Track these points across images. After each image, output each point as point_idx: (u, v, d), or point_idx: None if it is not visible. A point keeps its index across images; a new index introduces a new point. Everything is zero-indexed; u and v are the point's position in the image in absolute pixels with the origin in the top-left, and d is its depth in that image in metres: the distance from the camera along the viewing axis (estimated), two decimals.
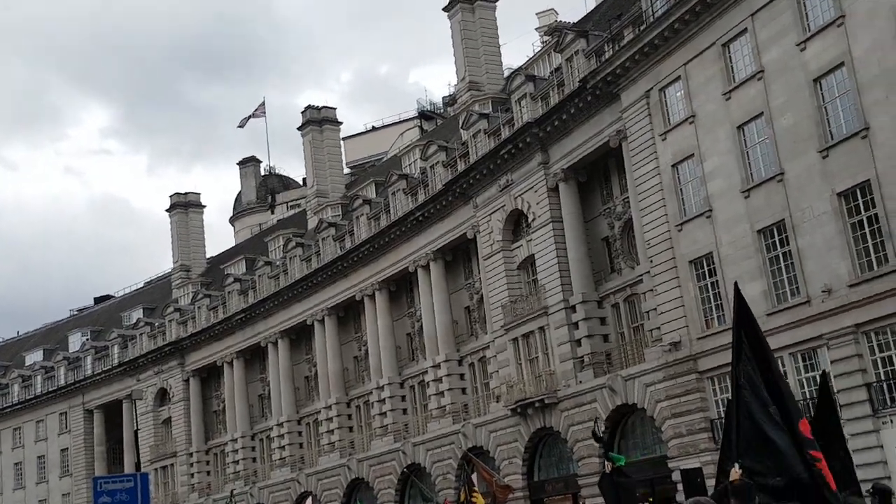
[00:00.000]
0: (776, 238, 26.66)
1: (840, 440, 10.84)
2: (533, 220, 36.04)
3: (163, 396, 59.88)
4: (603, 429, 31.42)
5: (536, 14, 49.19)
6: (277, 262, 52.81)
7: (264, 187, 75.24)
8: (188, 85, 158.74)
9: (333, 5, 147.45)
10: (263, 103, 65.81)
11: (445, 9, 44.22)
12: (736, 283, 11.06)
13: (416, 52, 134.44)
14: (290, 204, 70.97)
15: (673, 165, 30.03)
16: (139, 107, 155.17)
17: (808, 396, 24.75)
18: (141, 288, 72.45)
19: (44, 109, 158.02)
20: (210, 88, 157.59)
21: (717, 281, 28.33)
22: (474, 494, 25.67)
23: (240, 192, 76.56)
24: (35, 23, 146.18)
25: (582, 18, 40.76)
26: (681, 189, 29.92)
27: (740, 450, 9.53)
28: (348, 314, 48.29)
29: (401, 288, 45.33)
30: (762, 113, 27.11)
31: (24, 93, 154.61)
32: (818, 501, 8.94)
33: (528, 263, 36.98)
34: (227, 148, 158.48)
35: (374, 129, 69.45)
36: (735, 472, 9.05)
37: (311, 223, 53.47)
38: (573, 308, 33.90)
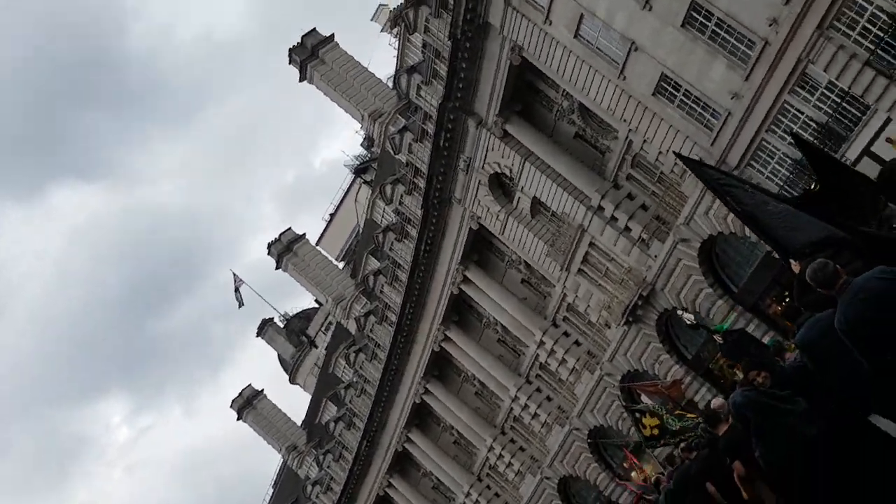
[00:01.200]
0: (699, 19, 26.77)
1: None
2: (510, 171, 36.25)
3: None
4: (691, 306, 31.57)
5: (372, 21, 49.55)
6: (355, 379, 53.08)
7: (292, 333, 75.39)
8: None
9: None
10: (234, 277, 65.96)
11: (301, 80, 44.58)
12: None
13: (309, 134, 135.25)
14: (323, 327, 71.16)
15: (575, 36, 30.20)
16: None
17: None
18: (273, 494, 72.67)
19: None
20: None
21: (686, 88, 28.42)
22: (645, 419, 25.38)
23: (279, 356, 76.77)
24: None
25: None
26: (597, 48, 30.06)
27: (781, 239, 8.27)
28: (441, 365, 48.49)
29: (461, 312, 45.52)
30: None
31: None
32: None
33: (537, 204, 37.13)
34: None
35: (331, 217, 69.73)
36: (794, 265, 7.74)
37: (350, 325, 53.70)
38: (600, 207, 34.02)
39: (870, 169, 25.56)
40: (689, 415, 25.09)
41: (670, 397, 33.11)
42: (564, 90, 33.41)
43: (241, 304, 64.83)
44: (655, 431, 24.85)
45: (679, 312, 32.82)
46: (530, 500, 46.47)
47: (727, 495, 9.12)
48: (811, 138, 25.66)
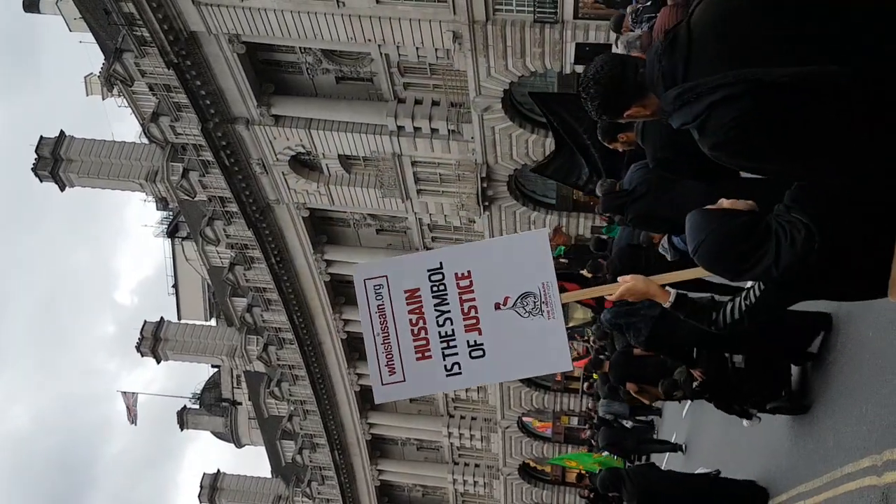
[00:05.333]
0: None
1: None
2: (303, 147, 35.54)
3: None
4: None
5: (88, 96, 47.09)
6: (293, 407, 52.19)
7: (211, 406, 73.39)
8: None
9: None
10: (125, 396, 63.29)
11: (62, 188, 42.13)
12: None
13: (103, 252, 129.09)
14: (234, 384, 69.46)
15: None
16: None
17: None
18: None
19: None
20: None
21: None
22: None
23: (212, 432, 74.80)
24: None
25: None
26: None
27: None
28: (358, 345, 48.15)
29: (344, 292, 45.11)
30: None
31: None
32: None
33: (346, 160, 36.60)
34: None
35: (175, 288, 67.12)
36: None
37: (257, 366, 52.51)
38: (399, 127, 33.78)
39: None
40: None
41: (561, 244, 33.82)
42: (301, 48, 32.60)
43: (133, 422, 61.96)
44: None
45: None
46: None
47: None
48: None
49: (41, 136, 41.68)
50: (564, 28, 27.99)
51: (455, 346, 4.25)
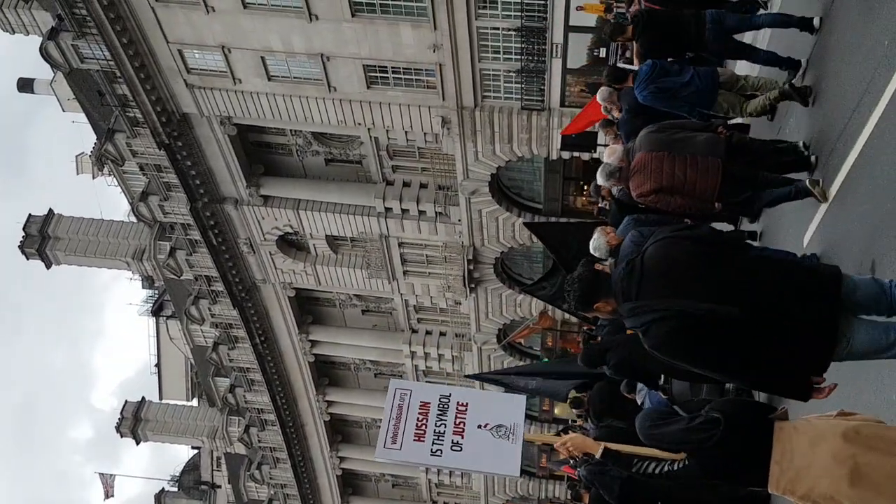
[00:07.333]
0: (363, 3, 27.13)
1: None
2: (291, 227, 35.79)
3: None
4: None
5: (79, 175, 47.41)
6: (273, 491, 51.33)
7: (189, 489, 71.99)
8: None
9: None
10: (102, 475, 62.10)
11: (48, 266, 42.07)
12: None
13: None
14: (214, 466, 68.30)
15: (269, 79, 30.00)
16: None
17: None
18: None
19: None
20: None
21: (391, 66, 28.81)
22: None
23: None
24: None
25: None
26: (295, 77, 29.97)
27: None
28: (340, 429, 47.54)
29: (328, 373, 44.81)
30: None
31: None
32: None
33: (333, 241, 36.83)
34: None
35: (158, 367, 66.52)
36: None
37: (237, 448, 51.80)
38: (387, 209, 34.12)
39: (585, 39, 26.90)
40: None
41: (546, 328, 33.90)
42: (291, 130, 33.11)
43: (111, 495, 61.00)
44: None
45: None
46: None
47: None
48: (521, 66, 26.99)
49: (30, 214, 41.81)
50: (551, 115, 28.61)
51: (442, 441, 6.04)
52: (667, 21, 10.06)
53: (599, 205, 13.24)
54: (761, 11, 11.08)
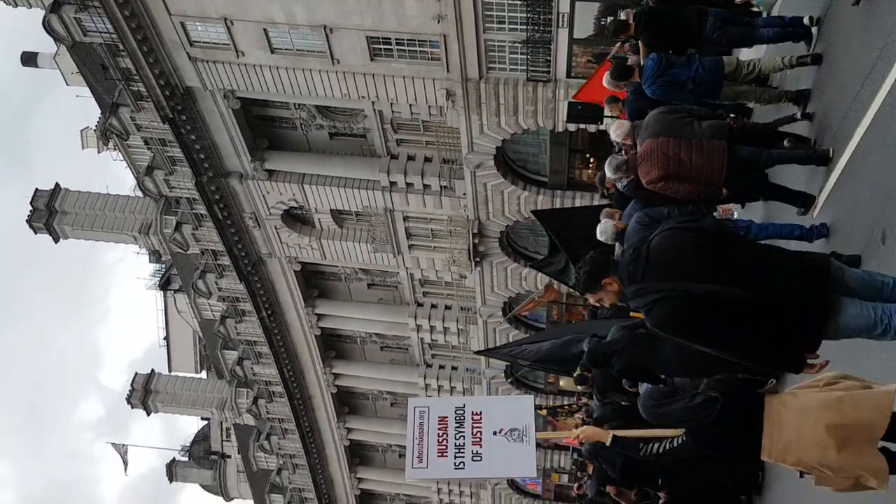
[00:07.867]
0: None
1: None
2: (296, 202, 35.73)
3: None
4: None
5: (84, 149, 47.33)
6: (282, 461, 51.65)
7: (200, 459, 72.61)
8: None
9: None
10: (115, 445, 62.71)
11: (56, 240, 42.17)
12: None
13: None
14: (224, 436, 68.89)
15: (272, 52, 29.80)
16: None
17: None
18: None
19: None
20: None
21: (395, 38, 28.57)
22: None
23: (201, 486, 73.88)
24: None
25: None
26: (298, 50, 29.75)
27: None
28: (347, 400, 47.78)
29: (335, 346, 44.96)
30: None
31: None
32: None
33: (338, 215, 36.77)
34: None
35: (167, 340, 66.88)
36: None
37: (246, 419, 52.14)
38: (391, 183, 34.00)
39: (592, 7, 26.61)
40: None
41: (551, 301, 33.84)
42: (295, 104, 32.93)
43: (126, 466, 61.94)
44: None
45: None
46: None
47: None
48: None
49: (36, 189, 41.79)
50: (557, 86, 28.34)
51: (463, 454, 6.38)
52: (669, 17, 10.15)
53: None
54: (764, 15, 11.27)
